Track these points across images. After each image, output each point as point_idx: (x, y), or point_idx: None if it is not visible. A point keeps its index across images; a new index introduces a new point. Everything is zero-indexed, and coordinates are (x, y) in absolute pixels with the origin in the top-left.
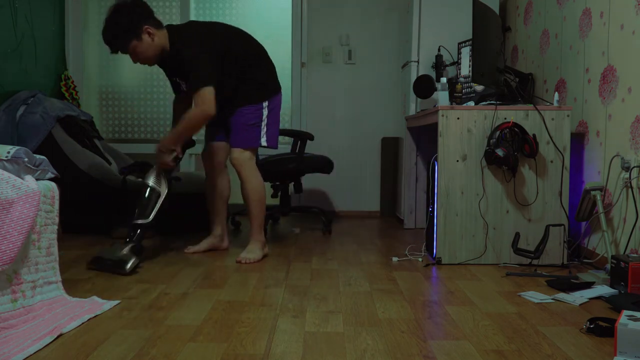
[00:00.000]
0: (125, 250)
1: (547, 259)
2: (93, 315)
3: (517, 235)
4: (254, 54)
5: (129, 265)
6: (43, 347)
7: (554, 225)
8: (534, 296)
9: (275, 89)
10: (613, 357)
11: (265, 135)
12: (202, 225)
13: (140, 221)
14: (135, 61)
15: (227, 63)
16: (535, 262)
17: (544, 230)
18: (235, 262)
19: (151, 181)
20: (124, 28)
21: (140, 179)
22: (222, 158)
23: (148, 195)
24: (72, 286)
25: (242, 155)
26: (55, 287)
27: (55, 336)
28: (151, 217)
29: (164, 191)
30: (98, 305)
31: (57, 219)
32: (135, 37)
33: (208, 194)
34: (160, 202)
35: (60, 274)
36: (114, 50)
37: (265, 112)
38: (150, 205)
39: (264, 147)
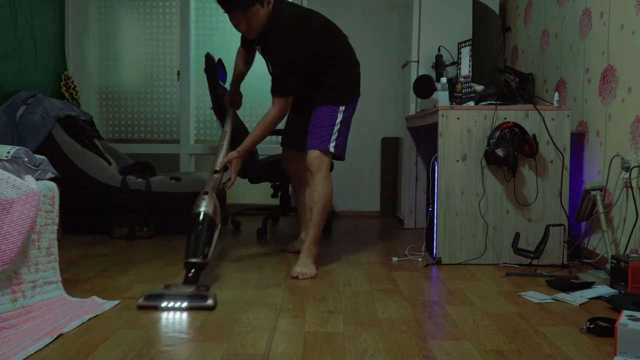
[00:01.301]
0: (194, 289)
1: (547, 259)
2: (93, 315)
3: (517, 235)
4: (344, 56)
5: (212, 301)
6: (43, 347)
7: (554, 225)
8: (534, 296)
9: (355, 95)
10: (613, 357)
11: (334, 142)
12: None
13: (195, 260)
14: (242, 29)
15: (312, 61)
16: (535, 262)
17: (544, 230)
18: (291, 278)
19: (207, 208)
20: None
21: (140, 179)
22: (302, 166)
23: (204, 227)
24: (72, 286)
25: (320, 159)
26: (55, 287)
27: (55, 336)
28: (209, 255)
29: (219, 223)
30: (98, 305)
31: (57, 219)
32: (260, 2)
33: (296, 202)
34: (217, 237)
35: (60, 274)
36: (230, 9)
37: (339, 116)
38: (207, 240)
39: (332, 153)
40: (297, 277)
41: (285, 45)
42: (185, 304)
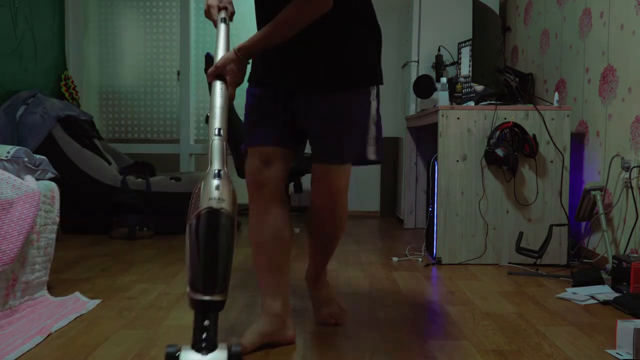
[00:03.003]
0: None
1: (547, 259)
2: (79, 314)
3: (521, 234)
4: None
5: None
6: (43, 347)
7: (557, 225)
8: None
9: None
10: (613, 355)
11: (375, 145)
12: None
13: (216, 298)
14: None
15: None
16: (538, 261)
17: (548, 230)
18: (328, 324)
19: (227, 203)
20: None
21: (140, 179)
22: (282, 175)
23: (224, 237)
24: (72, 286)
25: (346, 176)
26: (43, 287)
27: (45, 336)
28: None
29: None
30: (82, 304)
31: (57, 219)
32: None
33: (258, 243)
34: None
35: (51, 273)
36: None
37: (374, 104)
38: (229, 259)
39: (370, 163)
40: (337, 323)
41: None
42: None
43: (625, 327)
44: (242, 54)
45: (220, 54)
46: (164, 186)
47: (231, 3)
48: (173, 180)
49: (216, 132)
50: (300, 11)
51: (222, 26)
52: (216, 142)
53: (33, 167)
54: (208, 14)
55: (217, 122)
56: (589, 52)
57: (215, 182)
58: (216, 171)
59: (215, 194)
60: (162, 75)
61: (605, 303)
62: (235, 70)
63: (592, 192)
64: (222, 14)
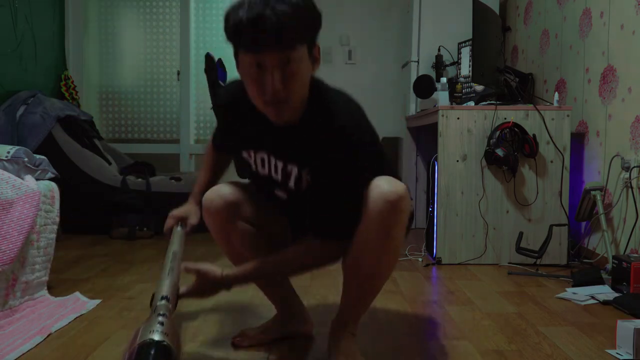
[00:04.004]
0: None
1: (547, 259)
2: (79, 314)
3: (521, 234)
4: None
5: None
6: (43, 347)
7: (557, 225)
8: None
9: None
10: (613, 355)
11: None
12: (201, 226)
13: None
14: (273, 85)
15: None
16: (538, 261)
17: (548, 230)
18: None
19: (171, 338)
20: (310, 17)
21: (140, 179)
22: (248, 225)
23: None
24: (72, 286)
25: (407, 194)
26: (43, 287)
27: (45, 336)
28: None
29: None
30: (82, 304)
31: (57, 219)
32: (311, 41)
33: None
34: None
35: (51, 273)
36: (264, 42)
37: None
38: None
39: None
40: None
41: (353, 125)
42: None
43: (625, 327)
44: (229, 280)
45: (169, 255)
46: (164, 186)
47: (197, 214)
48: (173, 180)
49: (162, 298)
50: (316, 255)
51: (178, 229)
52: (162, 304)
53: (33, 167)
54: (166, 223)
55: (164, 289)
56: (589, 52)
57: (160, 318)
58: (161, 312)
59: (158, 327)
60: (162, 75)
61: (605, 303)
62: (207, 286)
63: (592, 192)
64: (179, 224)
